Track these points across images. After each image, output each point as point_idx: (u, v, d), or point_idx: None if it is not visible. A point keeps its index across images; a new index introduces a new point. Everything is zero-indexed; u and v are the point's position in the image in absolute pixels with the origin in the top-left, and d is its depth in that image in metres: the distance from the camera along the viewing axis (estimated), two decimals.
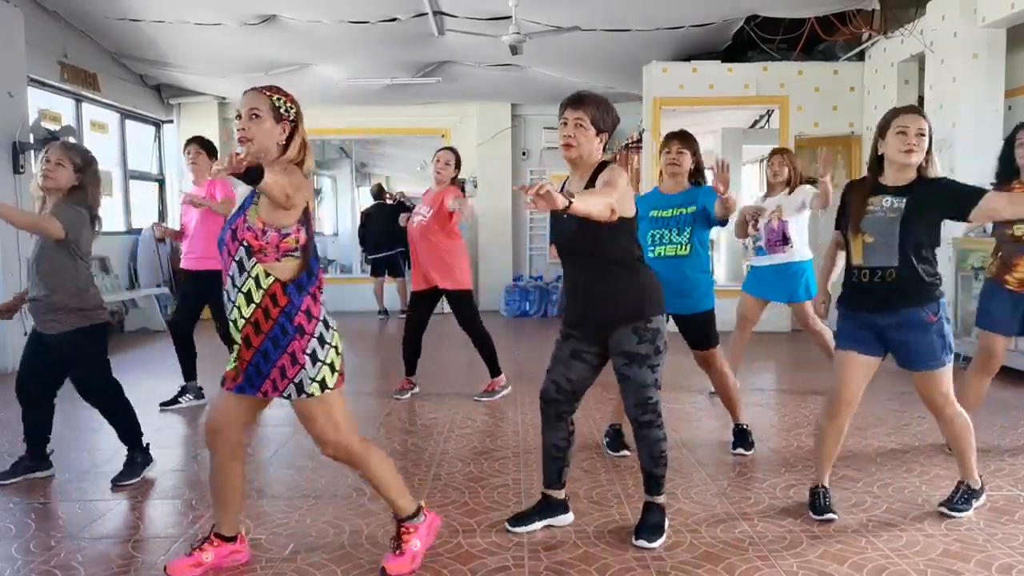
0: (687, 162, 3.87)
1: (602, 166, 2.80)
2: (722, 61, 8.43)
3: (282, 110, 2.46)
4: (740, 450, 3.95)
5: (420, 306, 5.26)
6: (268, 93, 2.46)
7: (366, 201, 15.07)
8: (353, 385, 5.81)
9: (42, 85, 7.73)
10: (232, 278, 2.45)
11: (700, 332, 3.91)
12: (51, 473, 3.66)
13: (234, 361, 2.50)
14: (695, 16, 7.41)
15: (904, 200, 2.88)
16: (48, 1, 7.49)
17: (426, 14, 7.11)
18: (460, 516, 3.10)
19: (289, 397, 2.48)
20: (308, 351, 2.46)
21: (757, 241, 5.13)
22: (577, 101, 2.74)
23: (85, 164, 3.46)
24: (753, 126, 10.38)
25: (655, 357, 2.80)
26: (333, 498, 3.32)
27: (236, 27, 7.58)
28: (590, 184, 2.76)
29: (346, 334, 8.69)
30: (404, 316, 5.44)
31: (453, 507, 3.20)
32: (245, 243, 2.41)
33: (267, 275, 2.42)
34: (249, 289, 2.42)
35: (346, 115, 10.58)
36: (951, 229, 6.55)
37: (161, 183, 10.53)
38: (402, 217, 5.47)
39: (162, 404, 4.97)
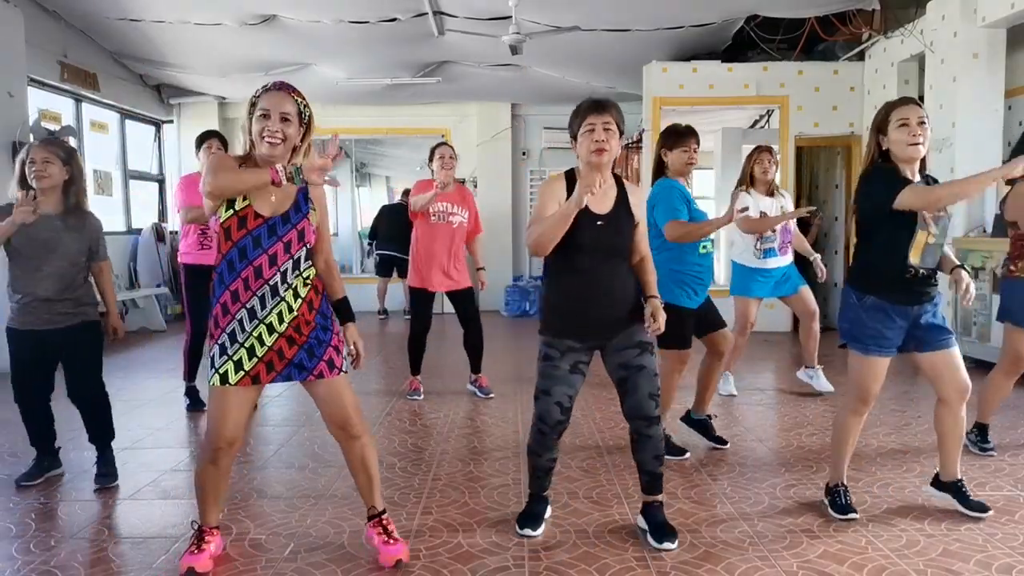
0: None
1: (619, 180, 2.88)
2: (722, 61, 8.43)
3: (304, 114, 2.53)
4: (717, 445, 4.07)
5: (428, 305, 5.25)
6: (294, 95, 2.52)
7: (366, 201, 15.09)
8: (354, 385, 5.82)
9: (42, 85, 7.73)
10: (283, 274, 2.51)
11: (714, 312, 4.01)
12: (62, 471, 3.70)
13: (258, 356, 2.51)
14: (695, 16, 7.40)
15: None
16: (48, 1, 7.49)
17: (426, 14, 7.11)
18: (460, 516, 3.10)
19: (345, 372, 2.66)
20: (338, 332, 2.69)
21: (767, 243, 5.05)
22: (604, 106, 2.75)
23: (69, 156, 3.49)
24: (753, 126, 10.38)
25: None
26: (333, 498, 3.32)
27: (236, 27, 7.58)
28: (620, 202, 2.82)
29: None
30: (409, 316, 5.41)
31: (453, 507, 3.20)
32: (308, 244, 2.58)
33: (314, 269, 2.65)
34: (297, 286, 2.55)
35: (346, 115, 10.58)
36: (951, 228, 6.57)
37: (161, 183, 10.54)
38: (414, 202, 5.13)
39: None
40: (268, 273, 2.49)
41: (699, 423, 4.15)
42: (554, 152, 11.16)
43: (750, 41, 8.24)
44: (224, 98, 10.53)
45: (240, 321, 2.49)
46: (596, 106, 2.75)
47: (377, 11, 7.19)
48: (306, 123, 2.54)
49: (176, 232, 10.36)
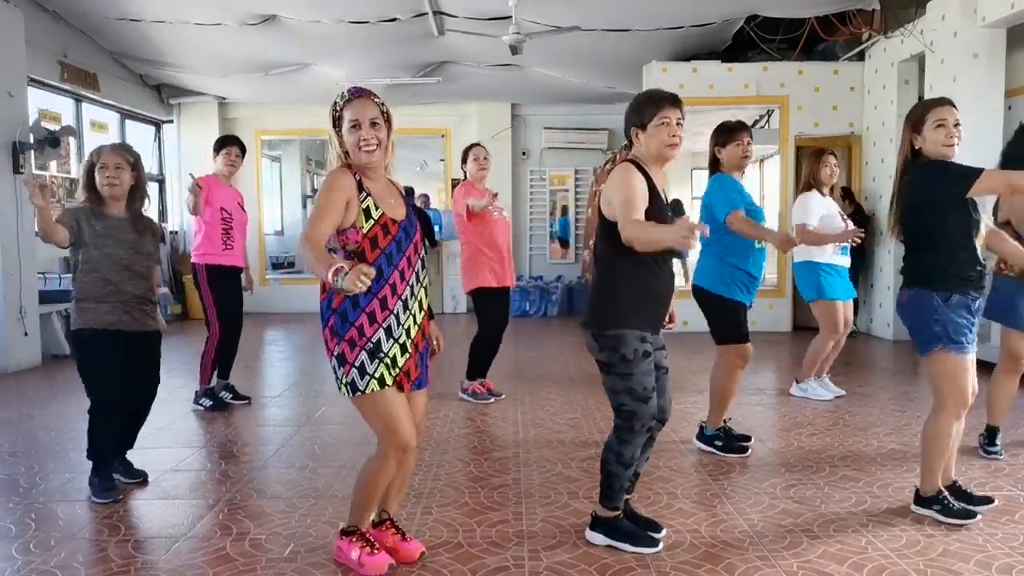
0: None
1: None
2: (722, 61, 8.44)
3: (385, 114, 2.54)
4: (744, 443, 4.00)
5: (504, 302, 5.22)
6: (375, 99, 2.52)
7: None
8: None
9: (42, 85, 7.74)
10: (417, 275, 2.56)
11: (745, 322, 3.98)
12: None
13: (400, 363, 2.51)
14: (695, 16, 7.41)
15: None
16: (48, 1, 7.49)
17: (426, 14, 7.12)
18: (460, 516, 3.10)
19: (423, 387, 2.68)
20: None
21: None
22: (679, 101, 2.70)
23: (136, 161, 3.48)
24: (753, 126, 10.38)
25: None
26: (333, 498, 3.32)
27: (236, 27, 7.58)
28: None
29: None
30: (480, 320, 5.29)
31: (453, 507, 3.20)
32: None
33: None
34: (425, 287, 2.62)
35: None
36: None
37: (161, 183, 10.53)
38: (473, 205, 5.10)
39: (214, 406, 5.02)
40: (409, 275, 2.52)
41: (714, 437, 4.06)
42: (554, 152, 11.17)
43: (750, 41, 8.25)
44: (224, 98, 10.53)
45: (388, 328, 2.48)
46: (674, 100, 2.68)
47: (377, 11, 7.20)
48: (388, 122, 2.55)
49: (176, 232, 10.38)
